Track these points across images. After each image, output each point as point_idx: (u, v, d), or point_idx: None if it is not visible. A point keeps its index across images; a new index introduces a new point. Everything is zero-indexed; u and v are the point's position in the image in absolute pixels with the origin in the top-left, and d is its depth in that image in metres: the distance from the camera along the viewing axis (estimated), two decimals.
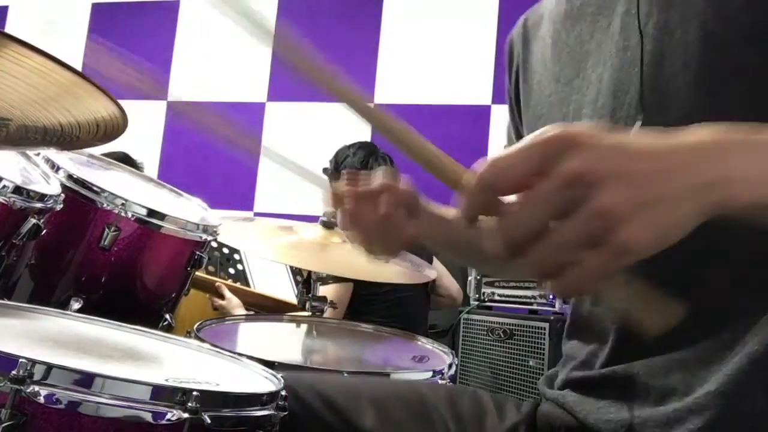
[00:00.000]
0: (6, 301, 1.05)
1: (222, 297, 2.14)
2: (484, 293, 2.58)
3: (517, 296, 2.48)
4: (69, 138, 0.70)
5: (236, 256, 2.61)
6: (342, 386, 0.81)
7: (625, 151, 0.45)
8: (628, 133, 0.47)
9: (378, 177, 0.80)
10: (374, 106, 0.54)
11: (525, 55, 0.88)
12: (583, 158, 0.43)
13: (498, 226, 0.45)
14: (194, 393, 0.68)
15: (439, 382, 1.23)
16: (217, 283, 2.17)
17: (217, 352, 1.01)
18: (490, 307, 2.57)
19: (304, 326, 1.58)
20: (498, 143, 3.64)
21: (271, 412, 0.75)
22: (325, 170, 2.59)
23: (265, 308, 2.30)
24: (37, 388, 0.64)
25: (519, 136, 0.93)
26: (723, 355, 0.63)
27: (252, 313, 2.10)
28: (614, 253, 0.43)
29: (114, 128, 0.68)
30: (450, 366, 1.29)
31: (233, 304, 2.12)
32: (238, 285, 2.34)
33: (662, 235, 0.44)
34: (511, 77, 0.93)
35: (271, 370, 0.90)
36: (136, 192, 1.42)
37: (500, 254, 0.45)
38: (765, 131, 0.47)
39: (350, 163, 2.49)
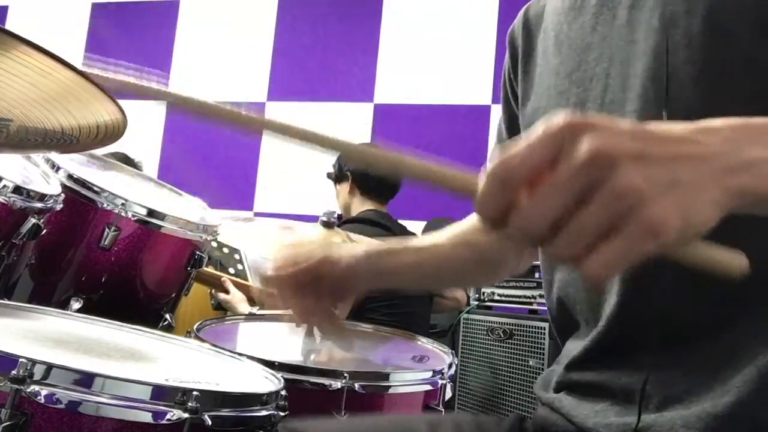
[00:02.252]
0: (6, 301, 1.05)
1: (227, 292, 2.13)
2: (484, 293, 2.58)
3: (517, 296, 2.48)
4: (69, 140, 0.70)
5: (236, 256, 2.61)
6: (327, 429, 0.81)
7: (644, 134, 0.43)
8: (643, 123, 0.45)
9: (309, 261, 0.87)
10: (359, 145, 0.53)
11: (527, 47, 0.87)
12: (600, 139, 0.41)
13: (517, 221, 0.43)
14: (194, 393, 0.68)
15: (439, 382, 1.22)
16: (222, 278, 2.17)
17: (217, 352, 1.01)
18: (490, 307, 2.57)
19: (304, 326, 1.57)
20: None
21: (271, 412, 0.76)
22: (329, 174, 2.59)
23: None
24: (37, 387, 0.64)
25: (510, 130, 0.92)
26: (732, 364, 0.62)
27: (254, 310, 2.10)
28: (641, 232, 0.40)
29: (114, 131, 0.68)
30: (450, 366, 1.29)
31: (237, 298, 2.11)
32: (241, 281, 2.35)
33: (689, 219, 0.41)
34: (510, 69, 0.92)
35: (271, 370, 0.90)
36: (136, 192, 1.42)
37: (521, 248, 0.44)
38: None
39: (355, 165, 2.49)
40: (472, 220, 1.00)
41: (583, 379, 0.73)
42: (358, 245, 0.92)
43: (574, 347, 0.76)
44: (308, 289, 0.87)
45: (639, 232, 0.40)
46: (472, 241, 0.98)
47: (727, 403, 0.60)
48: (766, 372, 0.60)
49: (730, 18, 0.62)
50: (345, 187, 2.50)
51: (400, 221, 2.54)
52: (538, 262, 0.86)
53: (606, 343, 0.70)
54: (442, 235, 1.00)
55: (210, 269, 2.33)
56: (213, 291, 2.16)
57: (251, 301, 2.19)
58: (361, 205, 2.47)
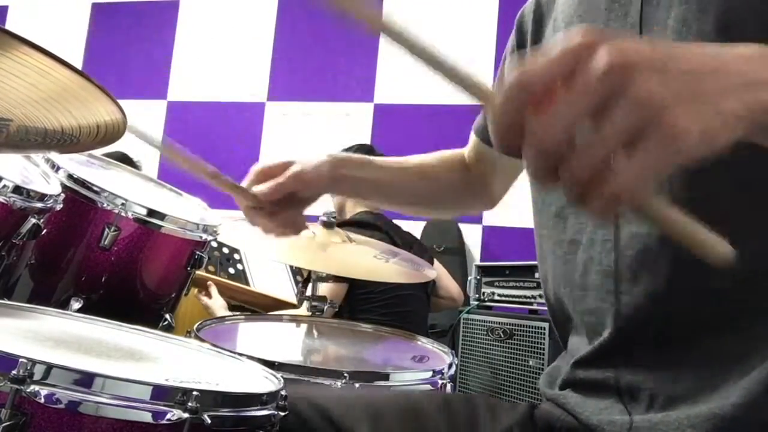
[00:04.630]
0: (6, 301, 1.05)
1: (209, 296, 2.15)
2: (484, 293, 2.58)
3: (517, 296, 2.48)
4: (69, 141, 0.70)
5: (236, 256, 2.61)
6: (336, 397, 0.81)
7: (665, 49, 0.42)
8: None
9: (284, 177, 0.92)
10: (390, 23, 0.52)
11: (536, 34, 0.87)
12: (619, 51, 0.40)
13: (533, 133, 0.41)
14: (194, 393, 0.68)
15: (439, 382, 1.22)
16: (208, 282, 2.18)
17: (217, 352, 1.01)
18: (490, 307, 2.57)
19: (304, 326, 1.58)
20: None
21: (271, 411, 0.75)
22: None
23: (265, 307, 2.30)
24: (37, 387, 0.64)
25: None
26: (739, 364, 0.62)
27: (247, 313, 2.11)
28: (663, 141, 0.39)
29: (114, 131, 0.68)
30: (450, 366, 1.29)
31: (218, 305, 2.14)
32: (236, 284, 2.35)
33: (709, 131, 0.40)
34: (515, 51, 0.92)
35: (271, 370, 0.90)
36: (136, 192, 1.42)
37: (535, 173, 0.42)
38: None
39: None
40: (440, 155, 1.07)
41: (588, 377, 0.73)
42: (321, 155, 0.97)
43: (581, 346, 0.76)
44: (283, 202, 0.92)
45: (660, 141, 0.39)
46: (430, 174, 1.05)
47: (734, 403, 0.60)
48: None
49: (742, 18, 0.62)
50: None
51: (397, 222, 2.54)
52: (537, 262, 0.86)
53: (612, 342, 0.71)
54: (410, 160, 1.06)
55: (210, 269, 2.34)
56: (196, 292, 2.18)
57: (239, 303, 2.20)
58: (355, 206, 2.48)
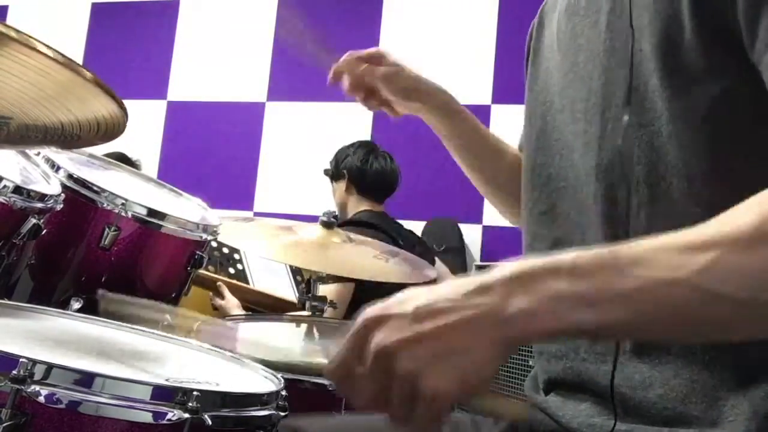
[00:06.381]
0: (6, 301, 1.05)
1: (222, 297, 2.15)
2: None
3: None
4: (70, 137, 0.70)
5: (236, 256, 2.61)
6: (322, 426, 0.81)
7: (422, 314, 0.52)
8: (433, 289, 0.54)
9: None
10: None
11: (537, 41, 0.89)
12: (380, 338, 0.52)
13: (352, 399, 0.55)
14: (194, 393, 0.68)
15: None
16: (218, 282, 2.18)
17: (217, 352, 1.01)
18: None
19: (304, 326, 1.58)
20: None
21: (271, 412, 0.76)
22: (326, 171, 2.59)
23: (266, 306, 2.30)
24: (37, 387, 0.64)
25: None
26: (706, 370, 0.61)
27: (251, 313, 2.11)
28: (425, 404, 0.51)
29: (115, 127, 0.68)
30: None
31: (231, 304, 2.13)
32: (239, 283, 2.35)
33: (465, 377, 0.51)
34: (526, 53, 0.94)
35: (271, 370, 0.90)
36: (137, 192, 1.42)
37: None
38: (556, 261, 0.52)
39: (350, 161, 2.48)
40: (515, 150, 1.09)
41: (567, 379, 0.73)
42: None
43: (560, 348, 0.76)
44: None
45: (425, 405, 0.51)
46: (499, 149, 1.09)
47: (712, 414, 0.60)
48: (762, 401, 0.59)
49: (675, 30, 0.64)
50: (341, 185, 2.50)
51: (399, 221, 2.53)
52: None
53: (590, 345, 0.71)
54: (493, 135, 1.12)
55: (210, 269, 2.34)
56: (211, 295, 2.18)
57: (246, 304, 2.20)
58: (357, 205, 2.47)
